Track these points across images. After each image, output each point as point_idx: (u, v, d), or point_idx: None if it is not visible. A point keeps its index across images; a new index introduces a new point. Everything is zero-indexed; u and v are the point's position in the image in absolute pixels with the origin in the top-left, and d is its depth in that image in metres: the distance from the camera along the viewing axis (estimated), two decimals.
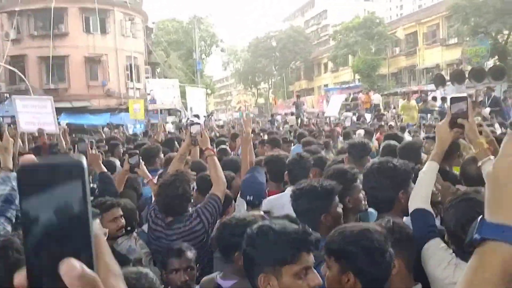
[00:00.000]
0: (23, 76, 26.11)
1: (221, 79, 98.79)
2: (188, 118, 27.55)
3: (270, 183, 4.04)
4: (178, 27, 48.27)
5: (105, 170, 4.08)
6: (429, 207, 2.28)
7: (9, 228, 2.30)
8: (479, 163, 2.33)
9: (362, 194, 2.88)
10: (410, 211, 2.34)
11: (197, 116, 26.67)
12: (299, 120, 19.16)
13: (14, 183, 2.50)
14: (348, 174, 2.89)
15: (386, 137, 6.07)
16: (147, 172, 4.05)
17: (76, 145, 4.44)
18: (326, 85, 50.61)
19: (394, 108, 23.56)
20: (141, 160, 4.10)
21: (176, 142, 7.57)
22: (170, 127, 24.68)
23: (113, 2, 31.52)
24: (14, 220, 2.34)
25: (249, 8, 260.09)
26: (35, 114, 8.44)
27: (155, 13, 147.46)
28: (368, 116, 19.46)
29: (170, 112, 33.73)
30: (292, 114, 22.78)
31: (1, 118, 25.93)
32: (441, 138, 2.40)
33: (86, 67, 30.58)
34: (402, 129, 9.11)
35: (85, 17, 30.42)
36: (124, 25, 31.84)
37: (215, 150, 4.88)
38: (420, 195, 2.31)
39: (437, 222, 2.59)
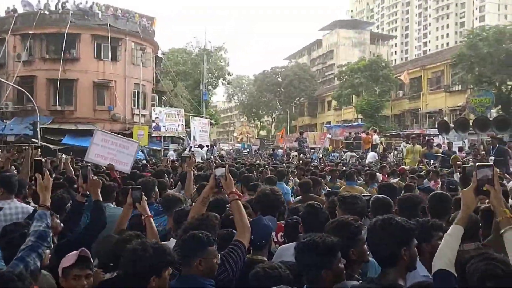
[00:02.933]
0: (30, 97, 26.38)
1: (225, 109, 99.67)
2: (191, 147, 27.72)
3: None
4: (187, 58, 49.00)
5: (101, 199, 4.05)
6: (453, 270, 2.34)
7: (38, 263, 2.37)
8: (502, 231, 2.37)
9: (366, 246, 2.88)
10: (434, 270, 2.40)
11: (200, 146, 26.84)
12: (301, 156, 19.24)
13: (49, 221, 2.62)
14: (352, 227, 2.91)
15: (380, 188, 5.83)
16: (147, 208, 3.86)
17: (80, 170, 4.49)
18: (328, 122, 51.02)
19: (396, 149, 23.67)
20: (143, 196, 3.94)
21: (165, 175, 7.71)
22: (172, 154, 24.83)
23: (126, 32, 32.18)
24: (43, 256, 2.43)
25: (256, 43, 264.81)
26: (113, 151, 8.68)
27: (165, 43, 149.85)
28: (370, 155, 19.59)
29: (173, 139, 33.95)
30: (296, 150, 22.90)
31: (6, 136, 26.13)
32: (467, 203, 2.47)
33: (94, 91, 30.93)
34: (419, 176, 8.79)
35: (97, 44, 30.98)
36: (134, 54, 32.39)
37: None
38: (446, 257, 2.37)
39: None
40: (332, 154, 24.84)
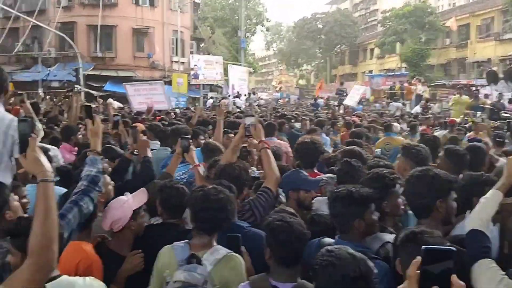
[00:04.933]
0: (72, 43, 26.73)
1: (263, 57, 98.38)
2: (229, 95, 27.72)
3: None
4: (225, 3, 48.13)
5: (150, 155, 4.24)
6: (486, 231, 2.31)
7: (91, 207, 2.42)
8: None
9: (401, 199, 2.87)
10: (467, 230, 2.37)
11: (239, 94, 26.77)
12: (341, 107, 18.87)
13: (100, 166, 2.66)
14: (387, 179, 2.86)
15: (422, 139, 5.45)
16: (195, 157, 3.92)
17: (130, 131, 4.61)
18: (370, 71, 49.54)
19: (441, 100, 22.86)
20: (191, 145, 3.99)
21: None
22: (210, 102, 24.94)
23: None
24: (95, 201, 2.46)
25: None
26: (148, 95, 10.06)
27: None
28: (392, 106, 19.13)
29: (211, 88, 33.98)
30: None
31: (50, 82, 26.83)
32: (511, 171, 2.40)
33: (133, 38, 31.07)
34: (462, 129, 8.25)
35: None
36: None
37: None
38: (480, 218, 2.34)
39: None
40: (374, 104, 24.23)
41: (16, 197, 2.68)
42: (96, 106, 12.02)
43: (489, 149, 5.06)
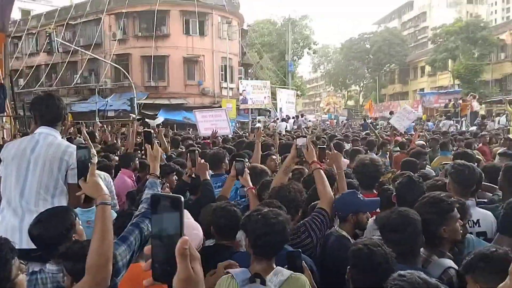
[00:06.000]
0: (127, 74, 27.95)
1: (310, 79, 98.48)
2: (277, 118, 27.86)
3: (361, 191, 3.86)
4: (272, 29, 48.79)
5: (209, 178, 4.29)
6: None
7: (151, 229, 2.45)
8: None
9: (459, 224, 2.78)
10: None
11: (287, 117, 26.86)
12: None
13: (159, 188, 2.77)
14: (444, 203, 2.76)
15: (455, 155, 5.40)
16: (249, 180, 3.93)
17: (188, 154, 4.73)
18: (422, 89, 48.44)
19: (498, 115, 21.96)
20: (246, 168, 4.03)
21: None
22: (259, 125, 25.17)
23: (212, 6, 32.75)
24: None
25: (343, 9, 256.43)
26: (213, 121, 10.83)
27: (250, 14, 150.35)
28: (445, 124, 18.53)
29: (260, 112, 34.32)
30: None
31: (107, 112, 28.02)
32: None
33: (184, 67, 32.08)
34: None
35: (185, 20, 31.93)
36: (221, 27, 32.95)
37: None
38: None
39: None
40: (427, 123, 23.57)
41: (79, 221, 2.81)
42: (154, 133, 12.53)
43: None
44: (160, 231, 1.03)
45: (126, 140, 8.78)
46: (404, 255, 2.52)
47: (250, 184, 3.91)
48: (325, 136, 11.63)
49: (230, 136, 10.89)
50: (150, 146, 2.99)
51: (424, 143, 9.41)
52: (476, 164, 4.60)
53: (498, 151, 6.63)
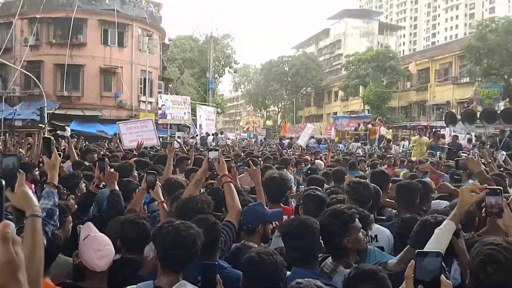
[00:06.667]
0: (38, 82, 26.41)
1: (231, 98, 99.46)
2: (197, 135, 27.77)
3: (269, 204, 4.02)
4: (194, 45, 48.83)
5: (117, 188, 4.16)
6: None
7: (45, 241, 2.25)
8: None
9: (361, 234, 2.90)
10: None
11: (207, 134, 26.88)
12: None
13: (57, 199, 2.58)
14: (345, 215, 2.87)
15: (373, 174, 5.60)
16: (160, 194, 3.88)
17: (98, 163, 4.53)
18: (335, 113, 50.83)
19: (403, 140, 23.59)
20: (157, 182, 3.96)
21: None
22: (178, 140, 24.85)
23: (133, 17, 32.08)
24: (50, 235, 2.32)
25: (263, 32, 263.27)
26: (139, 133, 10.68)
27: (172, 30, 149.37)
28: (354, 146, 19.85)
29: (179, 127, 33.99)
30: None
31: (14, 121, 26.25)
32: (463, 202, 2.46)
33: (100, 77, 30.95)
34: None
35: (104, 30, 30.92)
36: (141, 40, 32.28)
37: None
38: (434, 248, 2.31)
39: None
40: (338, 145, 24.75)
41: None
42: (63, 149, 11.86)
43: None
44: None
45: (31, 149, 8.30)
46: (303, 260, 2.66)
47: (162, 197, 3.85)
48: (242, 153, 11.81)
49: (158, 146, 10.81)
50: (48, 154, 2.82)
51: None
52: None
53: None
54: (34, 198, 1.95)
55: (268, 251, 2.41)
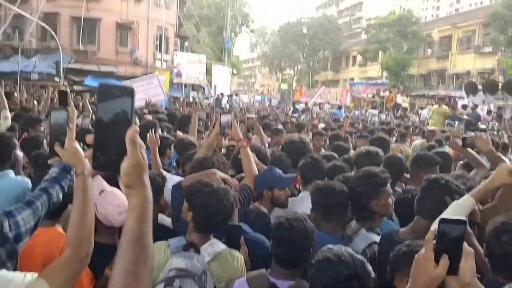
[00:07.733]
0: (54, 34, 26.25)
1: (247, 59, 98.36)
2: (211, 96, 27.63)
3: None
4: (211, 2, 47.99)
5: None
6: None
7: (61, 196, 2.19)
8: None
9: (391, 200, 2.86)
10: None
11: (221, 95, 26.71)
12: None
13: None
14: (378, 177, 2.84)
15: (371, 141, 5.62)
16: (239, 132, 3.68)
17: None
18: (352, 79, 50.00)
19: (421, 108, 23.25)
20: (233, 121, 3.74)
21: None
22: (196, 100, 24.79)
23: None
24: (66, 190, 2.22)
25: None
26: (145, 90, 10.58)
27: None
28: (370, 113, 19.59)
29: (194, 87, 33.81)
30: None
31: (30, 74, 26.31)
32: (498, 177, 2.35)
33: (116, 32, 30.67)
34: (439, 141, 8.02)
35: None
36: None
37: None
38: None
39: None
40: (354, 111, 24.51)
41: None
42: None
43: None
44: (106, 120, 1.01)
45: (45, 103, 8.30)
46: (329, 222, 2.74)
47: (241, 135, 3.69)
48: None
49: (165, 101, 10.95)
50: (64, 106, 2.76)
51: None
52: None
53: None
54: (83, 154, 1.89)
55: (298, 217, 2.36)
